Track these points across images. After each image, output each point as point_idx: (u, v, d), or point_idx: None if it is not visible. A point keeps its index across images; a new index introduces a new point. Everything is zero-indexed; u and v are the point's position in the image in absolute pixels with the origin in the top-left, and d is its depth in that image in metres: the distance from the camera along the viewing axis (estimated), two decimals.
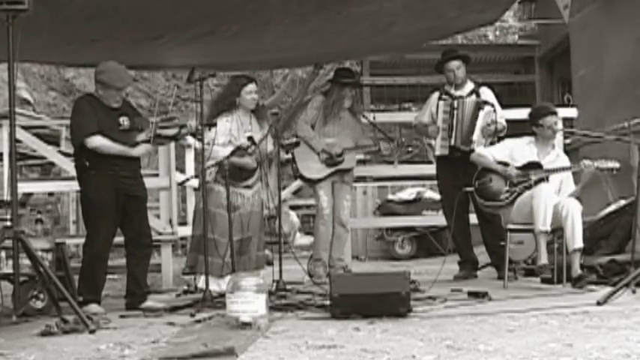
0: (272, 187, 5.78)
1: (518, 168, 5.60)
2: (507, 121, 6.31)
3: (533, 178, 5.54)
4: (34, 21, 4.24)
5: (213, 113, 5.54)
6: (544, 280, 5.56)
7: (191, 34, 5.51)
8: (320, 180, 6.26)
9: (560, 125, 5.75)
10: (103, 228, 4.97)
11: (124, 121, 5.05)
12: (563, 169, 5.54)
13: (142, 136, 5.08)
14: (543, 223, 5.30)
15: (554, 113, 5.66)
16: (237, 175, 5.52)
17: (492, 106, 6.15)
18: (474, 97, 6.23)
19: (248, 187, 5.65)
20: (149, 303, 5.02)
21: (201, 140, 5.20)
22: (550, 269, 5.39)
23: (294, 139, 6.06)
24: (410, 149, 14.06)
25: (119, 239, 5.22)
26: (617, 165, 5.40)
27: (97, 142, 4.92)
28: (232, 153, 5.48)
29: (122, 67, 5.08)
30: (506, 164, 5.63)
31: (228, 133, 5.53)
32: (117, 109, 5.08)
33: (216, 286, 5.29)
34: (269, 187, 5.72)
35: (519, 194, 5.53)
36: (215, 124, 5.35)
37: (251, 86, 5.65)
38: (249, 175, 5.65)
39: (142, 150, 5.07)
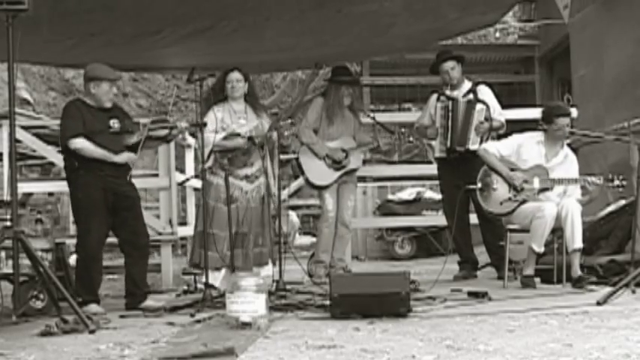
0: (273, 176, 5.78)
1: (523, 172, 5.55)
2: (507, 121, 6.31)
3: (537, 187, 5.50)
4: (34, 15, 4.24)
5: (206, 106, 5.54)
6: (544, 280, 5.57)
7: (190, 28, 5.50)
8: (328, 185, 6.25)
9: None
10: (94, 227, 4.96)
11: (114, 123, 5.05)
12: (568, 181, 5.49)
13: (133, 139, 5.09)
14: (538, 244, 5.32)
15: (568, 115, 5.63)
16: (233, 160, 5.55)
17: (484, 103, 6.14)
18: (469, 97, 6.22)
19: (248, 178, 5.65)
20: (148, 302, 5.03)
21: (199, 138, 5.24)
22: (533, 281, 5.39)
23: (289, 120, 6.05)
24: (411, 140, 14.05)
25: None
26: (624, 182, 5.38)
27: (80, 144, 4.92)
28: (224, 138, 5.55)
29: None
30: (511, 167, 5.57)
31: (220, 121, 5.54)
32: (107, 110, 5.08)
33: (212, 279, 5.31)
34: (271, 172, 5.73)
35: (523, 202, 5.49)
36: (205, 124, 5.36)
37: (232, 75, 5.67)
38: (247, 161, 5.65)
39: (125, 157, 5.04)
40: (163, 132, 5.20)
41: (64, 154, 5.09)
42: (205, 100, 5.49)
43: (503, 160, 5.61)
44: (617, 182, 5.38)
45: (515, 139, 5.73)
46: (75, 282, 5.05)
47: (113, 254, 7.20)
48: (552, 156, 5.59)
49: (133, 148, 5.12)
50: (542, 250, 5.35)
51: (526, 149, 5.61)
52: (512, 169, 5.57)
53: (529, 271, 5.42)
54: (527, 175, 5.53)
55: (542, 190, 5.49)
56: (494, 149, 5.68)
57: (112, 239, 5.21)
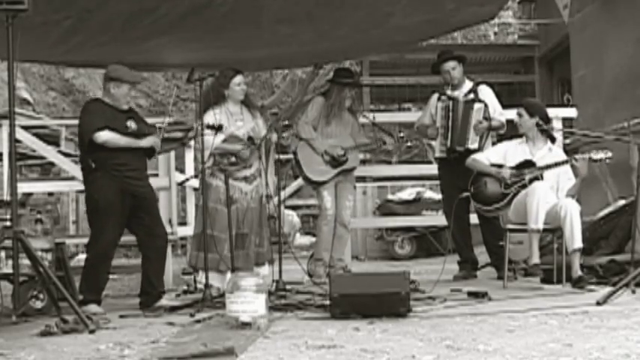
0: (269, 176, 5.79)
1: (511, 168, 5.61)
2: (507, 121, 6.31)
3: (528, 177, 5.55)
4: None
5: (203, 108, 5.54)
6: (544, 280, 5.57)
7: (187, 3, 5.43)
8: (325, 182, 6.26)
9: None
10: (107, 229, 4.98)
11: (131, 124, 5.10)
12: (556, 164, 5.54)
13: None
14: (535, 221, 5.31)
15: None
16: (236, 162, 5.56)
17: (482, 102, 6.16)
18: (469, 97, 6.23)
19: (247, 179, 5.66)
20: (163, 302, 5.06)
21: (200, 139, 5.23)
22: (541, 269, 5.40)
23: (286, 121, 6.06)
24: (409, 144, 14.05)
25: (124, 238, 5.23)
26: (609, 154, 5.40)
27: (105, 136, 4.95)
28: (224, 141, 5.54)
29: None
30: (500, 166, 5.65)
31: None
32: (125, 112, 5.13)
33: (216, 281, 5.33)
34: (267, 175, 5.74)
35: (515, 195, 5.54)
36: (221, 127, 5.40)
37: (239, 77, 5.70)
38: (246, 164, 5.66)
39: (150, 141, 5.11)
40: (180, 134, 5.22)
41: (82, 154, 5.12)
42: (204, 98, 5.49)
43: (493, 165, 5.70)
44: (602, 155, 5.39)
45: (501, 146, 5.87)
46: (80, 280, 5.05)
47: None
48: (537, 151, 5.67)
49: (149, 151, 5.19)
50: (540, 226, 5.33)
51: (511, 152, 5.72)
52: (500, 166, 5.65)
53: (535, 259, 5.38)
54: (515, 169, 5.61)
55: (533, 180, 5.52)
56: (483, 158, 5.81)
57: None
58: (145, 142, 5.09)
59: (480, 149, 6.07)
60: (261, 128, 5.78)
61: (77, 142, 5.62)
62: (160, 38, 5.97)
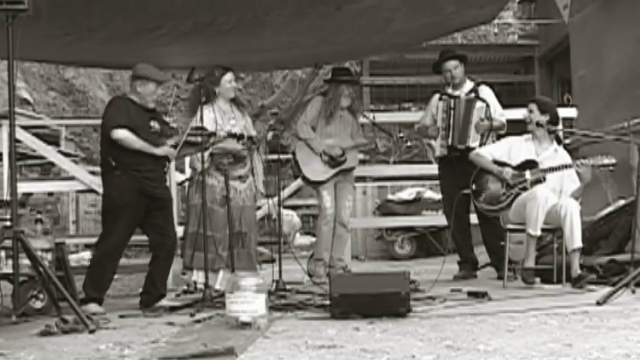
0: (260, 174, 5.80)
1: (514, 168, 5.60)
2: (507, 121, 6.32)
3: (530, 178, 5.53)
4: (34, 8, 4.25)
5: (194, 106, 5.52)
6: (544, 280, 5.57)
7: (190, 24, 5.46)
8: (324, 181, 6.26)
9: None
10: (119, 228, 4.98)
11: (155, 124, 5.10)
12: (559, 168, 5.53)
13: (170, 142, 5.13)
14: (534, 227, 5.31)
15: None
16: (235, 161, 5.57)
17: (484, 101, 6.16)
18: (471, 95, 6.24)
19: (240, 178, 5.66)
20: (163, 302, 5.06)
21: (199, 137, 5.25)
22: (534, 274, 5.40)
23: (278, 113, 6.08)
24: (409, 144, 14.07)
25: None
26: (613, 161, 5.39)
27: (122, 134, 4.93)
28: (225, 138, 5.56)
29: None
30: (503, 164, 5.63)
31: (213, 122, 5.51)
32: (149, 111, 5.12)
33: (210, 280, 5.33)
34: (257, 175, 5.75)
35: (517, 196, 5.53)
36: (242, 137, 5.49)
37: (229, 75, 5.71)
38: (242, 163, 5.66)
39: (165, 150, 5.07)
40: (200, 139, 5.21)
41: (103, 152, 5.11)
42: (195, 95, 5.48)
43: (497, 162, 5.66)
44: (606, 161, 5.39)
45: (506, 141, 5.84)
46: (85, 277, 5.04)
47: None
48: (542, 150, 5.64)
49: (164, 159, 5.17)
50: (538, 233, 5.34)
51: (516, 148, 5.69)
52: (503, 164, 5.63)
53: (530, 262, 5.41)
54: (518, 169, 5.58)
55: (535, 182, 5.51)
56: (487, 153, 5.79)
57: None
58: (160, 151, 5.05)
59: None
60: (250, 125, 5.79)
61: (77, 141, 5.61)
62: (162, 49, 6.00)
